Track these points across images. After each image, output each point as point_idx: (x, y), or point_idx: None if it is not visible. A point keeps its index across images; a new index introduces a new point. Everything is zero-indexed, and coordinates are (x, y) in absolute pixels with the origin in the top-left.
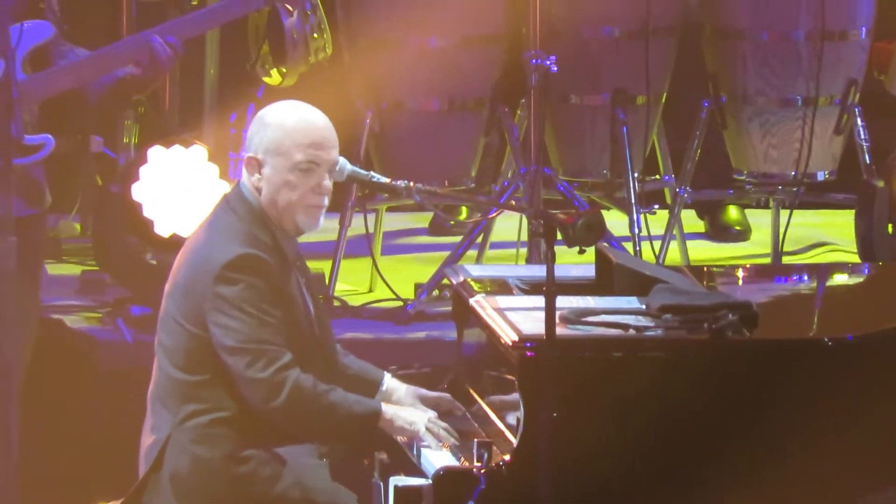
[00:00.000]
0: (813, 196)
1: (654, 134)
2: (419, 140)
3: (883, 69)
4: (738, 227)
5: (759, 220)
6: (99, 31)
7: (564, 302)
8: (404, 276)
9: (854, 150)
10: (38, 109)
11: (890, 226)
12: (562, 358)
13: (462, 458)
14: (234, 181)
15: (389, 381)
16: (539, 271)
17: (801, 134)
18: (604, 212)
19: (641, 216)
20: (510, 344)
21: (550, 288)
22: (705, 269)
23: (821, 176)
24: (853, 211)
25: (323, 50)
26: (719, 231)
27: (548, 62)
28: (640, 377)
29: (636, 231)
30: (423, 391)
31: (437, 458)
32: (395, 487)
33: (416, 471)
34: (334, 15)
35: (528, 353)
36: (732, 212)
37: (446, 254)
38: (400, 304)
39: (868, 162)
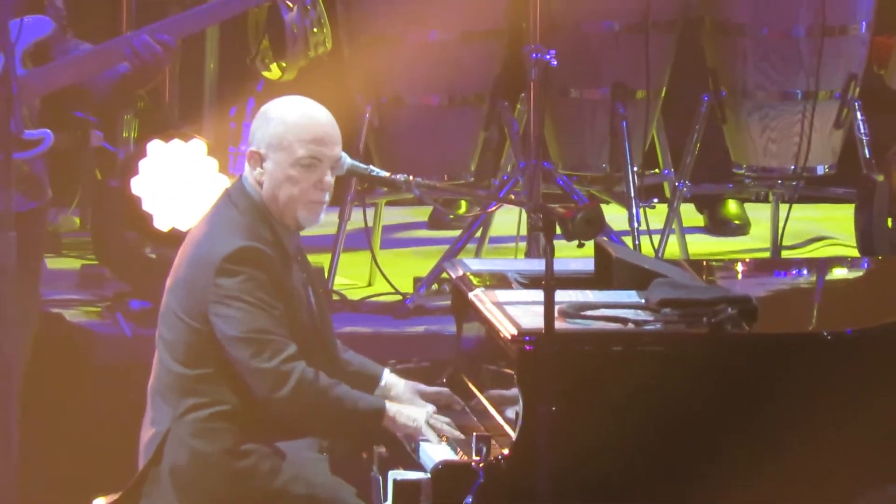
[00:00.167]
0: (812, 190)
1: (653, 128)
2: (419, 134)
3: (883, 63)
4: (737, 222)
5: (759, 214)
6: (99, 28)
7: (563, 296)
8: (403, 270)
9: (854, 145)
10: (39, 104)
11: (889, 220)
12: (561, 352)
13: (461, 452)
14: (233, 175)
15: (388, 377)
16: (538, 265)
17: (800, 128)
18: (603, 206)
19: (641, 210)
20: (509, 338)
21: (549, 282)
22: (704, 263)
23: (820, 170)
24: (853, 205)
25: (323, 44)
26: (718, 225)
27: (547, 56)
28: (639, 371)
29: (635, 225)
30: (422, 386)
31: (435, 452)
32: (394, 481)
33: (415, 465)
34: (334, 9)
35: (527, 347)
36: (732, 206)
37: (445, 248)
38: (399, 298)
39: (868, 156)
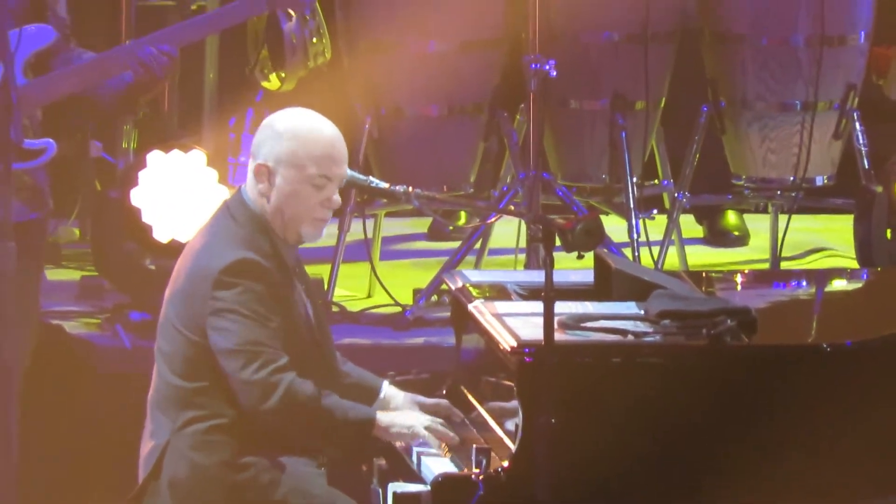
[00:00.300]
0: (811, 201)
1: (652, 139)
2: (418, 145)
3: (882, 74)
4: (736, 233)
5: (758, 225)
6: (99, 36)
7: (563, 307)
8: (403, 282)
9: (853, 155)
10: (41, 114)
11: (889, 231)
12: (560, 364)
13: (461, 465)
14: (232, 186)
15: (388, 389)
16: (538, 276)
17: (799, 139)
18: (602, 217)
19: (640, 221)
20: (509, 349)
21: (549, 293)
22: (704, 274)
23: (819, 181)
24: (852, 216)
25: (322, 55)
26: (718, 236)
27: (547, 67)
28: (639, 383)
29: (635, 236)
30: (421, 398)
31: (435, 464)
32: (394, 494)
33: (415, 477)
34: (333, 19)
35: (527, 359)
36: (731, 217)
37: (445, 259)
38: (398, 309)
39: (867, 167)
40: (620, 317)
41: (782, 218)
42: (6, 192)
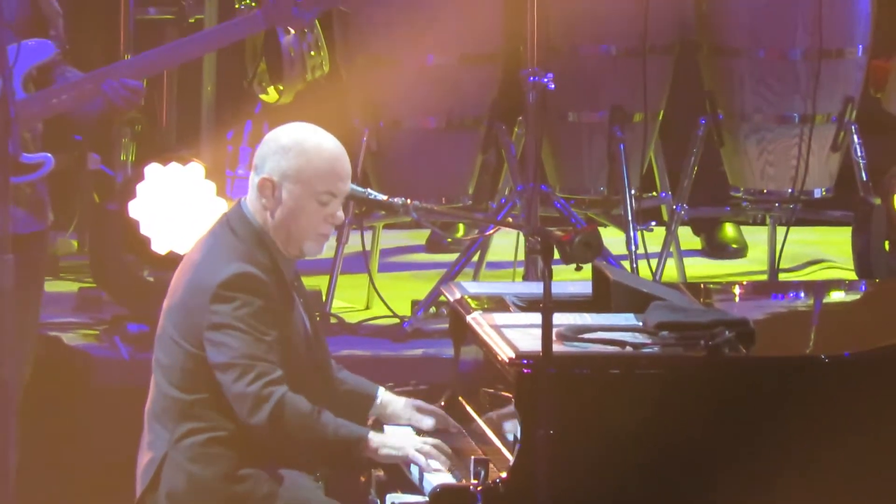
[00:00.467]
0: (810, 213)
1: (651, 151)
2: (416, 158)
3: (880, 87)
4: (734, 245)
5: (756, 237)
6: (96, 49)
7: (561, 319)
8: (401, 294)
9: (851, 168)
10: (42, 127)
11: (886, 243)
12: (559, 375)
13: (460, 476)
14: (230, 199)
15: (384, 395)
16: (536, 288)
17: (797, 151)
18: (601, 229)
19: (638, 233)
20: (507, 361)
21: (547, 305)
22: (702, 286)
23: (818, 193)
24: (850, 228)
25: (320, 67)
26: (716, 248)
27: (545, 80)
28: (637, 394)
29: (633, 248)
30: (419, 402)
31: (433, 475)
32: None
33: (413, 488)
34: (332, 32)
35: (525, 370)
36: (729, 229)
37: (443, 271)
38: (397, 321)
39: (865, 179)
40: (619, 328)
41: (780, 230)
42: (4, 206)
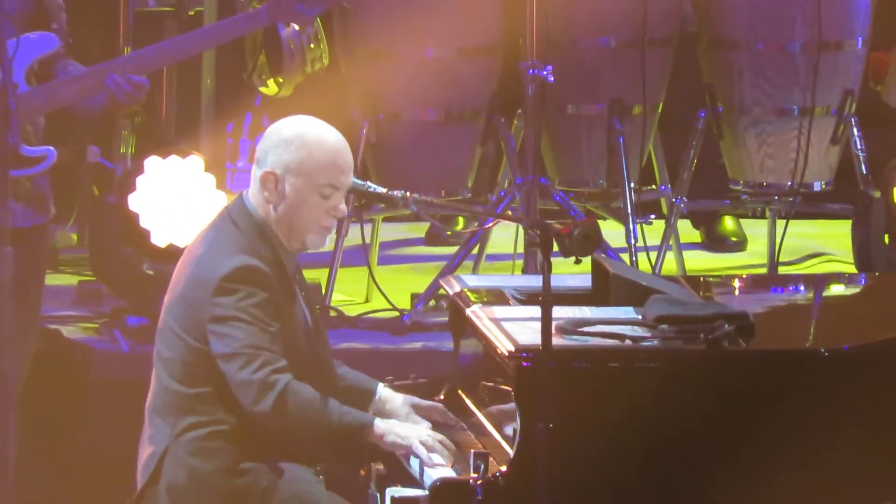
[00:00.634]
0: (809, 206)
1: (650, 144)
2: (416, 150)
3: (879, 79)
4: (734, 238)
5: (756, 230)
6: (96, 41)
7: (561, 312)
8: (400, 287)
9: (850, 161)
10: (44, 120)
11: (886, 236)
12: (558, 368)
13: (459, 470)
14: (230, 191)
15: (383, 391)
16: (535, 281)
17: (797, 144)
18: (600, 222)
19: (638, 226)
20: (506, 354)
21: (547, 298)
22: (701, 279)
23: (817, 186)
24: (849, 221)
25: (320, 60)
26: (715, 241)
27: (544, 72)
28: (637, 388)
29: (632, 241)
30: (417, 399)
31: (433, 468)
32: (392, 498)
33: (413, 482)
34: (331, 25)
35: (525, 364)
36: (728, 222)
37: (442, 264)
38: (396, 314)
39: (864, 172)
40: (618, 321)
41: (780, 223)
42: (3, 198)
